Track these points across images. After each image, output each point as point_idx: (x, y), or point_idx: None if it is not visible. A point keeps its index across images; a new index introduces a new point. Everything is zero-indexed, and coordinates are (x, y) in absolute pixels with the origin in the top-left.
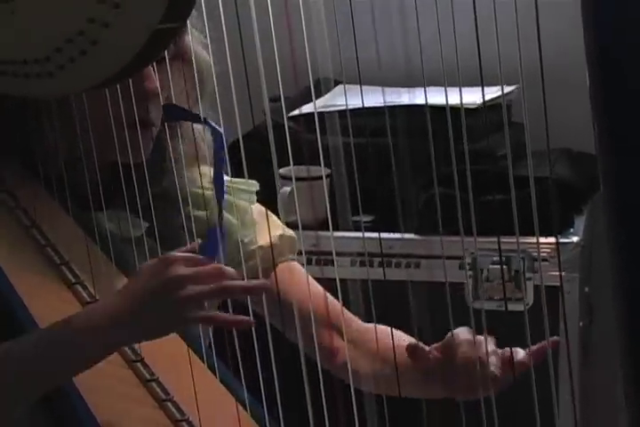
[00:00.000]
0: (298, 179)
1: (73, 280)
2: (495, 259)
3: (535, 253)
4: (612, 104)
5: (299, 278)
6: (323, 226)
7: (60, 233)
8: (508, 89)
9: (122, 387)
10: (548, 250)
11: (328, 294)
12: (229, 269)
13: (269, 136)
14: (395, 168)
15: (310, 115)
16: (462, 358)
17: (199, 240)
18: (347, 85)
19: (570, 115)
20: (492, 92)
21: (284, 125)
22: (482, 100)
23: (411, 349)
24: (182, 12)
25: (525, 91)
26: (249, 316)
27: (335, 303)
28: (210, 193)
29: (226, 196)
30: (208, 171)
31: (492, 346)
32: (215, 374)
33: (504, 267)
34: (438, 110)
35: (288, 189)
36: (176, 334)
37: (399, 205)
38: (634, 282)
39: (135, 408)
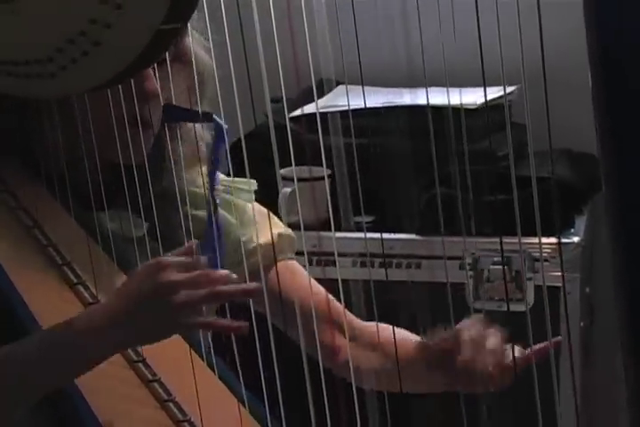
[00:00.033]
0: (299, 179)
1: (75, 280)
2: (496, 259)
3: (536, 254)
4: (613, 104)
5: (299, 277)
6: (324, 226)
7: (61, 233)
8: (508, 89)
9: (124, 388)
10: (549, 250)
11: (320, 289)
12: (223, 273)
13: (271, 137)
14: (396, 168)
15: (312, 115)
16: (468, 350)
17: (196, 241)
18: (348, 86)
19: (570, 115)
20: (493, 93)
21: (285, 126)
22: (483, 101)
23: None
24: (184, 13)
25: (526, 91)
26: (250, 315)
27: (335, 302)
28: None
29: (225, 195)
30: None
31: (498, 340)
32: (217, 375)
33: (505, 267)
34: (439, 111)
35: (289, 189)
36: (177, 334)
37: (400, 206)
38: (635, 282)
39: (137, 409)
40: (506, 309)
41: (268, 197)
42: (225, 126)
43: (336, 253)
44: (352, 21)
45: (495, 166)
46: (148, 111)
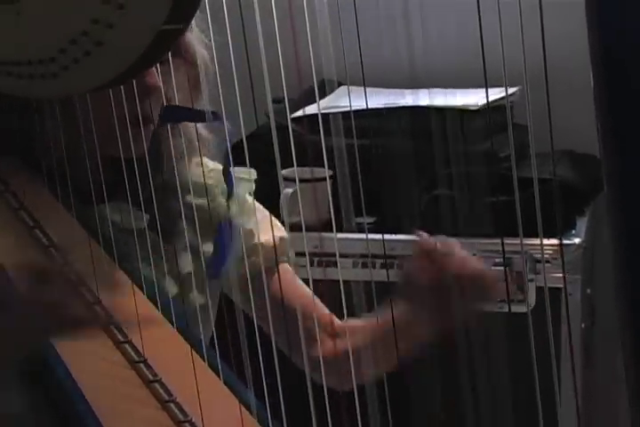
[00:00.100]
0: (301, 180)
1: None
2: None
3: (537, 255)
4: (616, 104)
5: (290, 279)
6: (325, 227)
7: (63, 233)
8: (510, 90)
9: (125, 388)
10: (551, 251)
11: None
12: None
13: (273, 137)
14: (398, 169)
15: (314, 116)
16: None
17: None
18: (350, 87)
19: (572, 116)
20: (495, 94)
21: (287, 127)
22: (484, 102)
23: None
24: (186, 13)
25: (528, 92)
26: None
27: (319, 301)
28: (210, 182)
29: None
30: (210, 163)
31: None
32: (218, 375)
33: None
34: (441, 112)
35: (291, 190)
36: (179, 334)
37: (402, 207)
38: (636, 283)
39: (138, 409)
40: (507, 310)
41: (269, 197)
42: (229, 127)
43: (337, 254)
44: (354, 22)
45: (497, 167)
46: (149, 106)
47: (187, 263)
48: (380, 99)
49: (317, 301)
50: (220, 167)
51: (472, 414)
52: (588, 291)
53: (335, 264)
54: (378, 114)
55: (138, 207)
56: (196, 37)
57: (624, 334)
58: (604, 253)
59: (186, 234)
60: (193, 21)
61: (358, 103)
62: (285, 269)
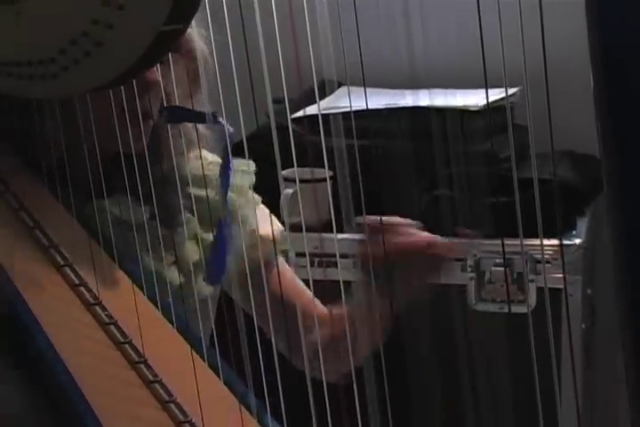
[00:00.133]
0: (301, 181)
1: (76, 282)
2: (498, 261)
3: (538, 256)
4: (616, 105)
5: (289, 275)
6: (326, 228)
7: (63, 234)
8: (510, 91)
9: (125, 388)
10: (551, 252)
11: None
12: None
13: (273, 138)
14: (398, 170)
15: (314, 116)
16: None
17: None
18: (350, 87)
19: (572, 116)
20: (495, 94)
21: (287, 127)
22: (484, 102)
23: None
24: (187, 14)
25: (528, 93)
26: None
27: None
28: (210, 174)
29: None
30: (209, 156)
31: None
32: (219, 376)
33: (507, 269)
34: (441, 112)
35: (291, 190)
36: (179, 334)
37: (402, 207)
38: (636, 283)
39: (138, 410)
40: (507, 310)
41: (269, 198)
42: (224, 123)
43: (338, 255)
44: (354, 22)
45: (497, 168)
46: (149, 101)
47: (193, 252)
48: (380, 99)
49: (311, 293)
50: (220, 160)
51: (472, 415)
52: (589, 291)
53: (335, 265)
54: (378, 114)
55: (137, 202)
56: (195, 31)
57: (624, 335)
58: (604, 253)
59: (188, 224)
60: (193, 21)
61: (358, 104)
62: (283, 262)
